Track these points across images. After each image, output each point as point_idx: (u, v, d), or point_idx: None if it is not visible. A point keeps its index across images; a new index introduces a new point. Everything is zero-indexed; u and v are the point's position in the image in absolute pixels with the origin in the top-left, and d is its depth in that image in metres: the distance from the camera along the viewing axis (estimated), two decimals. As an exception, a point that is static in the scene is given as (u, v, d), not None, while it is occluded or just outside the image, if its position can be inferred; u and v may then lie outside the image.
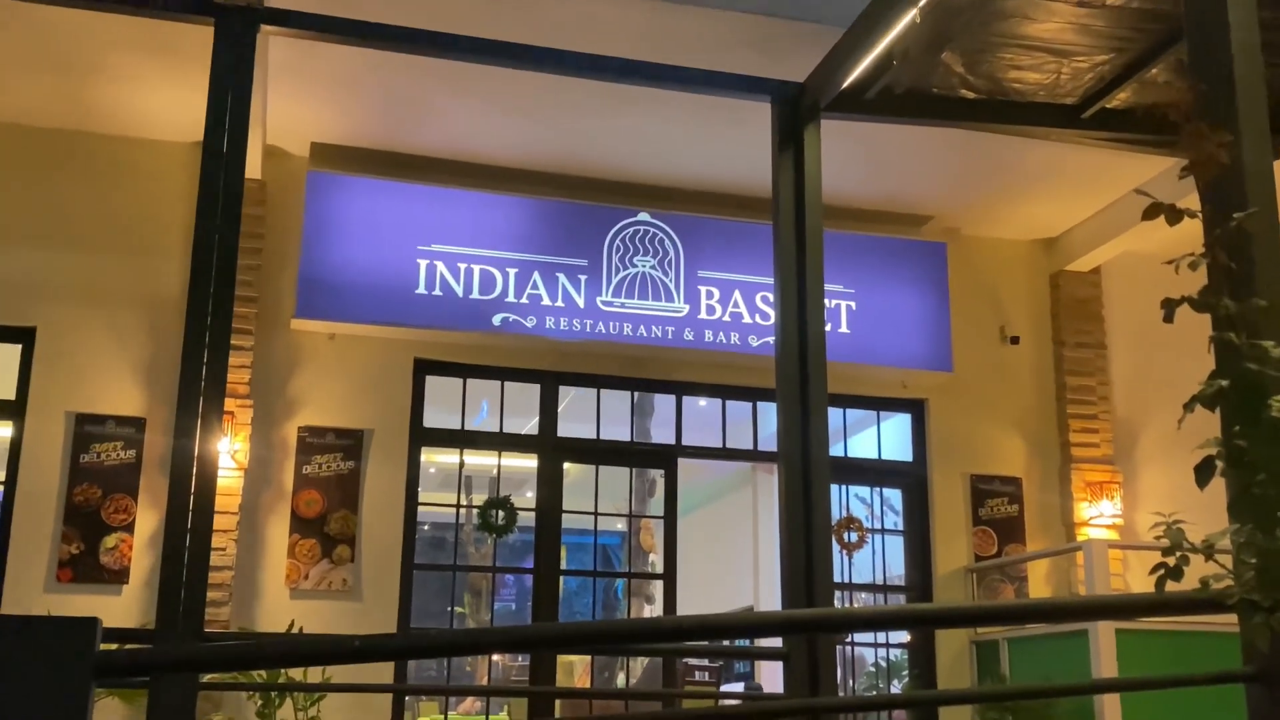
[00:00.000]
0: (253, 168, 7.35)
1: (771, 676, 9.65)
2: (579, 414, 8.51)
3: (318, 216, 7.69)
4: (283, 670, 6.10)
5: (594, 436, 8.40)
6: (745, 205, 8.29)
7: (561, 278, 7.99)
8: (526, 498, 8.59)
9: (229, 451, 7.17)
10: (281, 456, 7.57)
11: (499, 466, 8.27)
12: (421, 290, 7.75)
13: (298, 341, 7.73)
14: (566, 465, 8.37)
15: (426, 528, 10.31)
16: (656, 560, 9.16)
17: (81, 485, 7.18)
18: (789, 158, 4.72)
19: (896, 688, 8.53)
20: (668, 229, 8.27)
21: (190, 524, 3.65)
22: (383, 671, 6.83)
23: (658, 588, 8.61)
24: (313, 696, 6.55)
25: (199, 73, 4.15)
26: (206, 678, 4.90)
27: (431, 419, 8.06)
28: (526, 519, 8.14)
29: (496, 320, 7.83)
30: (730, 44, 6.44)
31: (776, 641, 4.66)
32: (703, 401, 8.78)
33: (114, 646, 4.04)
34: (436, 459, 9.35)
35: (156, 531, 6.93)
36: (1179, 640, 6.80)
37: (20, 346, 7.37)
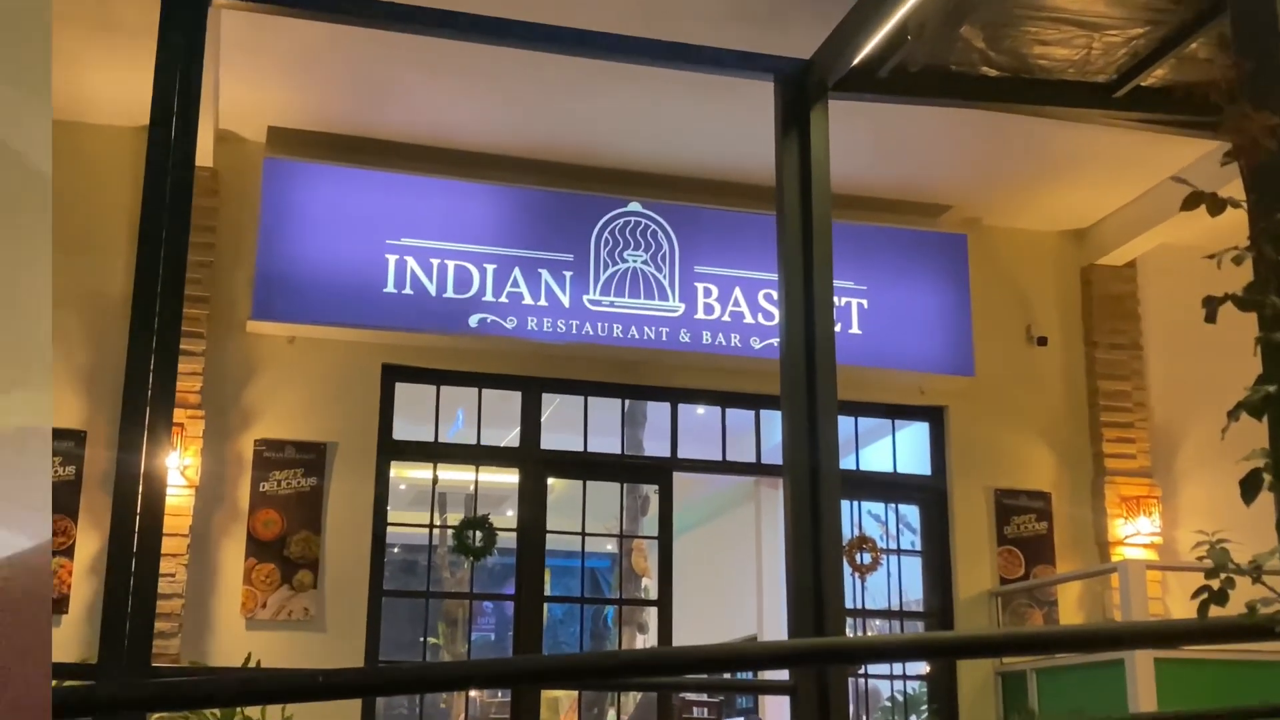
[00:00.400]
0: (204, 154, 7.34)
1: (777, 712, 9.64)
2: (564, 424, 8.51)
3: (276, 208, 7.69)
4: (239, 709, 6.09)
5: (581, 449, 8.39)
6: (746, 194, 8.30)
7: (544, 274, 8.00)
8: (507, 517, 8.59)
9: (178, 467, 7.16)
10: (236, 473, 7.56)
11: (476, 482, 8.26)
12: (390, 289, 7.75)
13: (254, 345, 7.73)
14: (551, 480, 8.37)
15: (397, 550, 10.33)
16: (650, 585, 9.16)
17: (15, 505, 7.15)
18: (794, 142, 4.74)
19: (914, 724, 8.55)
20: (661, 220, 8.28)
21: (136, 548, 3.64)
22: (349, 709, 6.83)
23: (652, 615, 8.62)
24: (272, 737, 6.54)
25: (145, 51, 4.15)
26: (154, 717, 4.89)
27: (402, 430, 8.06)
28: (507, 540, 8.13)
29: (473, 321, 7.83)
30: (729, 16, 6.45)
31: (783, 674, 4.67)
32: (700, 409, 8.79)
33: (52, 683, 4.04)
34: (407, 474, 9.35)
35: (99, 556, 6.92)
36: (1224, 670, 6.82)
37: (-53, 352, 7.36)
